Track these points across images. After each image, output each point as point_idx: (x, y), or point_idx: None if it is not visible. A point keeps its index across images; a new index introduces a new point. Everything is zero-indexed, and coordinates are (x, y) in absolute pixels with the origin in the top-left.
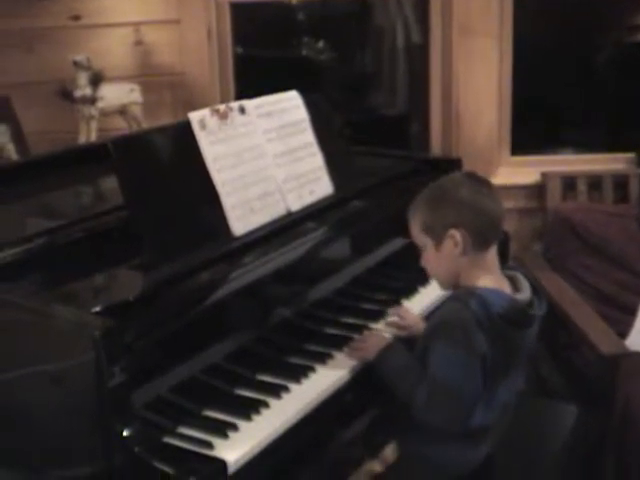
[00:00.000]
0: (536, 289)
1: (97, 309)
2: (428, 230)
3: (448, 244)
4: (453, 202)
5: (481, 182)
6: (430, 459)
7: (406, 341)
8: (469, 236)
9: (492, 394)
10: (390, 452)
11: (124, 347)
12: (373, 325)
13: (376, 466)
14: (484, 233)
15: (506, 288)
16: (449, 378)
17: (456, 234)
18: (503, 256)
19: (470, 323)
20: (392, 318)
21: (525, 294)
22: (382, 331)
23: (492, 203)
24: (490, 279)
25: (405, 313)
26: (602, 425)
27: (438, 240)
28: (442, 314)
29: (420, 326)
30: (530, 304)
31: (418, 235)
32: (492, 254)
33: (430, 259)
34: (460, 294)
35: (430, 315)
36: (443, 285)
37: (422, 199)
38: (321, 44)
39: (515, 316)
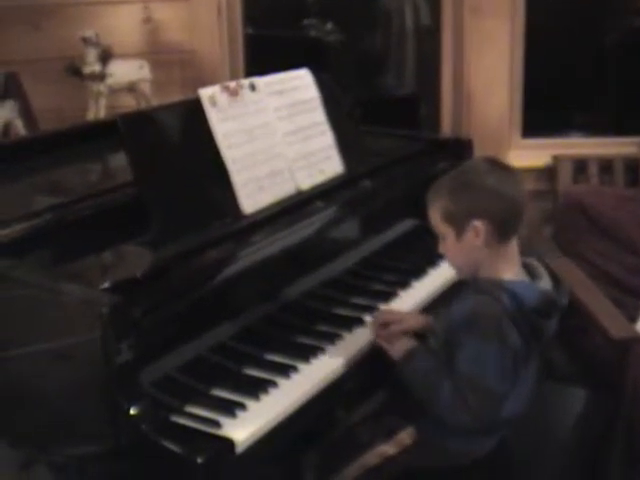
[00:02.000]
0: (556, 277)
1: (105, 286)
2: (450, 219)
3: (470, 235)
4: (478, 191)
5: (505, 169)
6: (448, 447)
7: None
8: (492, 227)
9: (517, 386)
10: (406, 436)
11: (132, 324)
12: (383, 306)
13: (389, 448)
14: (507, 224)
15: (524, 275)
16: (482, 375)
17: (479, 225)
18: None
19: (504, 318)
20: (394, 327)
21: (545, 282)
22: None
23: (517, 192)
24: (513, 271)
25: (401, 316)
26: (611, 409)
27: (460, 230)
28: (472, 307)
29: (419, 319)
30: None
31: (438, 223)
32: (513, 245)
33: (450, 248)
34: (487, 287)
35: (438, 303)
36: (461, 274)
37: (444, 186)
38: (330, 25)
39: (545, 308)
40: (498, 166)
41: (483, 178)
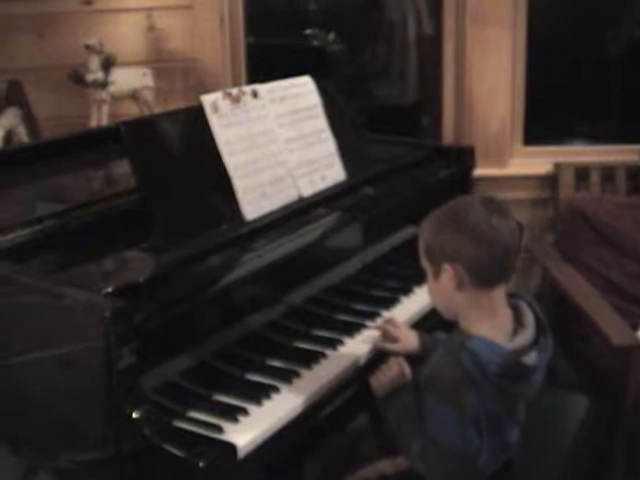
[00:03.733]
0: (541, 322)
1: (107, 290)
2: (428, 256)
3: (444, 276)
4: (457, 232)
5: (499, 214)
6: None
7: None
8: (466, 273)
9: (497, 439)
10: (403, 459)
11: (134, 328)
12: (384, 312)
13: (388, 467)
14: (486, 271)
15: (508, 325)
16: (442, 436)
17: (448, 269)
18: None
19: (460, 384)
20: (386, 327)
21: (528, 334)
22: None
23: (504, 239)
24: (489, 325)
25: (396, 324)
26: (613, 416)
27: (436, 270)
28: (433, 368)
29: (413, 341)
30: (535, 342)
31: (421, 258)
32: (498, 294)
33: (430, 287)
34: (453, 345)
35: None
36: (443, 315)
37: (432, 219)
38: (332, 36)
39: (511, 372)
40: (492, 209)
41: (469, 219)
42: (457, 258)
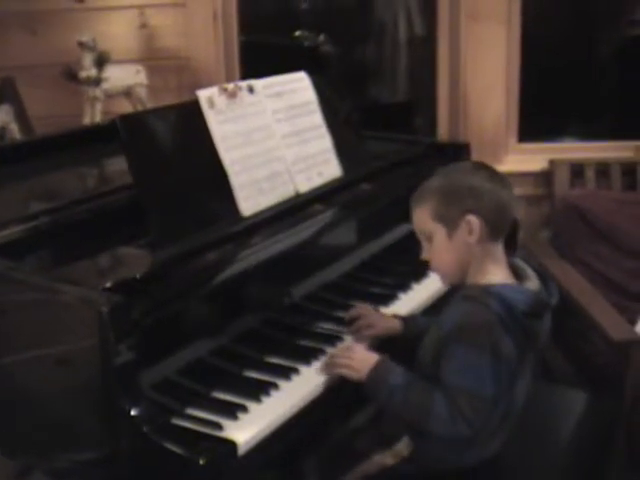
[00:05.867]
0: (543, 276)
1: (104, 286)
2: (441, 217)
3: (462, 232)
4: (469, 189)
5: (493, 171)
6: (444, 458)
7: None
8: (484, 224)
9: (512, 391)
10: (403, 446)
11: (131, 324)
12: (383, 308)
13: (388, 458)
14: (498, 222)
15: (513, 278)
16: (478, 386)
17: (473, 220)
18: (512, 244)
19: (495, 326)
20: (363, 331)
21: (533, 283)
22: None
23: (506, 192)
24: (502, 274)
25: (363, 310)
26: (612, 412)
27: (452, 227)
28: (460, 317)
29: (393, 324)
30: (544, 287)
31: (427, 223)
32: (501, 247)
33: (438, 249)
34: (475, 294)
35: (432, 309)
36: (447, 279)
37: (431, 187)
38: (322, 37)
39: (537, 309)
40: (485, 168)
41: (472, 177)
42: (477, 211)
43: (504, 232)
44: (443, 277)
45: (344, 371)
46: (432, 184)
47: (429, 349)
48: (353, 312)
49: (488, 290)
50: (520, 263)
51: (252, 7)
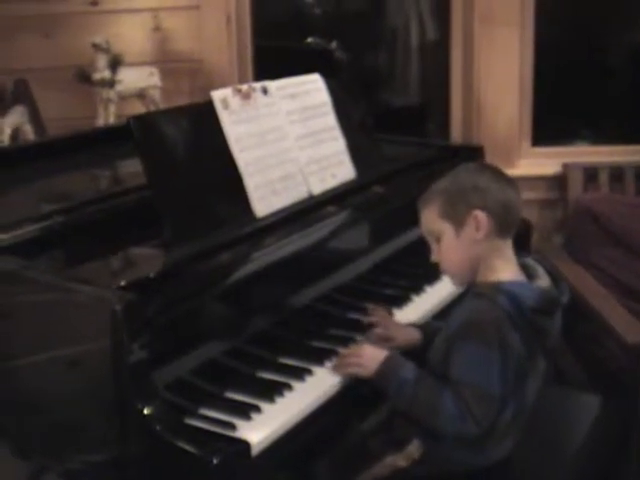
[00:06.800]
0: (554, 275)
1: (118, 285)
2: (448, 215)
3: (470, 228)
4: (474, 187)
5: (499, 172)
6: (454, 460)
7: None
8: (492, 219)
9: (522, 390)
10: (414, 449)
11: (145, 323)
12: (396, 310)
13: (400, 460)
14: (506, 220)
15: (522, 277)
16: (485, 382)
17: (480, 214)
18: (525, 247)
19: (504, 322)
20: (377, 330)
21: (544, 281)
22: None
23: (512, 191)
24: (512, 271)
25: (381, 319)
26: (627, 416)
27: (459, 224)
28: (468, 314)
29: (414, 335)
30: (555, 286)
31: (435, 222)
32: (510, 245)
33: (447, 248)
34: (484, 291)
35: (444, 312)
36: (458, 279)
37: (438, 188)
38: (334, 44)
39: (546, 306)
40: (490, 168)
41: (478, 177)
42: (484, 207)
43: (512, 230)
44: (454, 277)
45: (353, 369)
46: (438, 186)
47: (439, 348)
48: (372, 317)
49: (497, 287)
50: (531, 262)
51: (265, 12)
